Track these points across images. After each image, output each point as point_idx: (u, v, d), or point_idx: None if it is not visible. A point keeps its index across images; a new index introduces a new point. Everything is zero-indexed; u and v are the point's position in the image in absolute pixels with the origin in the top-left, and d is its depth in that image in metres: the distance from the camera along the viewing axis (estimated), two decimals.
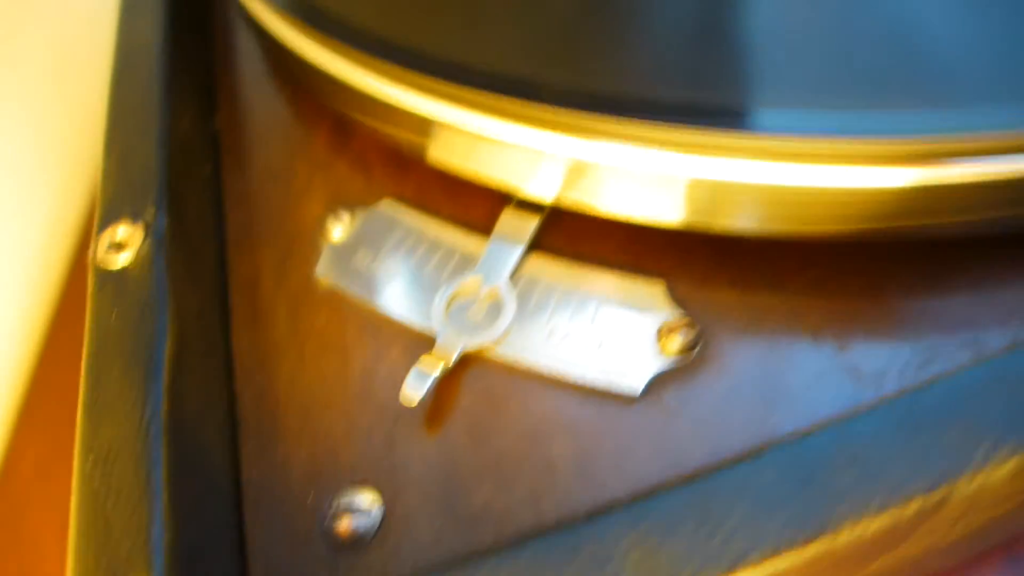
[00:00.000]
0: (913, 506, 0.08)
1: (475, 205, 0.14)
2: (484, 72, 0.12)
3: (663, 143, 0.11)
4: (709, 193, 0.12)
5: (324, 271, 0.14)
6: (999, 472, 0.08)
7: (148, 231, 0.12)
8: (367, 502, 0.11)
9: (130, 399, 0.10)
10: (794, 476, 0.08)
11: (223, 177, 0.16)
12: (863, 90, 0.11)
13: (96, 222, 0.12)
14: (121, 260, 0.12)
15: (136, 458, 0.09)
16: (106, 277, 0.12)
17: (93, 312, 0.11)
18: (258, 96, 0.18)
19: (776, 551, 0.08)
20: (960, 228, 0.12)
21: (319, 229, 0.15)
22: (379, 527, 0.11)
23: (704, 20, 0.13)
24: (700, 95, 0.11)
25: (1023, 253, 0.12)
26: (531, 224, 0.13)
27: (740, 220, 0.12)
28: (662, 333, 0.12)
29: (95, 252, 0.12)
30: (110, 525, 0.09)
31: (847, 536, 0.08)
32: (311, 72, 0.15)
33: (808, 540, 0.08)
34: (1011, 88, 0.11)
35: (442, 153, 0.14)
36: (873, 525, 0.08)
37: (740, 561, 0.08)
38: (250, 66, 0.19)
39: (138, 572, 0.09)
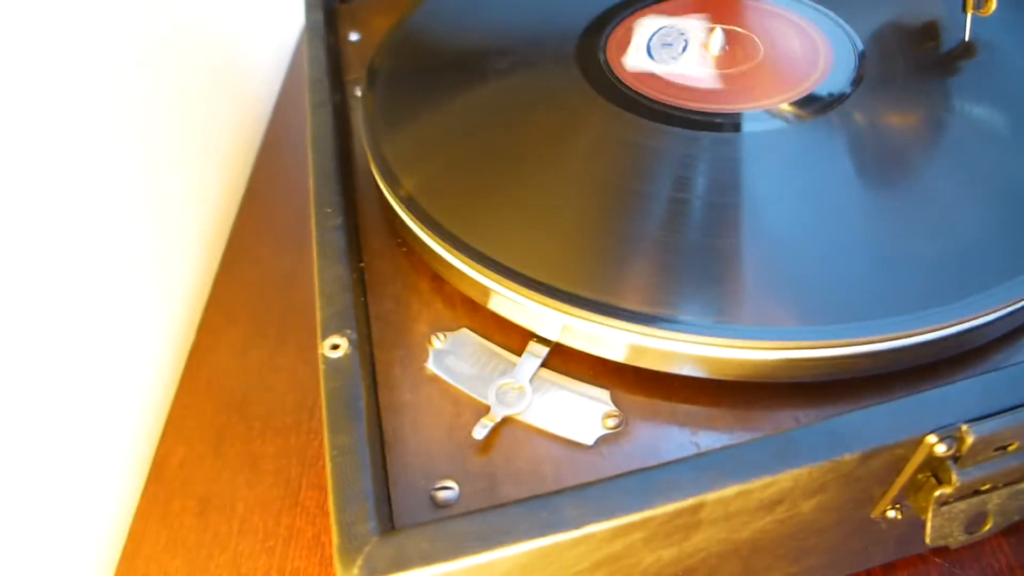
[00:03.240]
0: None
1: (513, 336, 0.26)
2: (520, 272, 0.24)
3: (609, 324, 0.23)
4: (635, 351, 0.23)
5: (430, 365, 0.26)
6: (666, 510, 0.19)
7: (349, 340, 0.24)
8: (452, 485, 0.22)
9: (347, 428, 0.22)
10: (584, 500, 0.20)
11: (368, 303, 0.28)
12: (710, 309, 0.23)
13: (319, 333, 0.24)
14: (336, 355, 0.23)
15: (355, 453, 0.21)
16: (329, 363, 0.23)
17: (325, 380, 0.23)
18: (385, 251, 0.30)
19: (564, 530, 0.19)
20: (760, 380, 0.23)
21: (427, 340, 0.26)
22: (458, 499, 0.22)
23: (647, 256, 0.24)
24: (639, 303, 0.23)
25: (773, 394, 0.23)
26: (544, 351, 0.25)
27: (651, 363, 0.24)
28: (604, 417, 0.23)
29: (322, 350, 0.24)
30: (344, 485, 0.21)
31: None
32: (419, 244, 0.27)
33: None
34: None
35: (494, 305, 0.26)
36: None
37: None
38: (377, 230, 0.31)
39: (363, 511, 0.20)
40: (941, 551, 0.33)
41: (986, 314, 0.22)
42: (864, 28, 0.34)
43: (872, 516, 0.24)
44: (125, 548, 0.36)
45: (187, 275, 0.48)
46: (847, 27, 0.34)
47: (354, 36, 0.43)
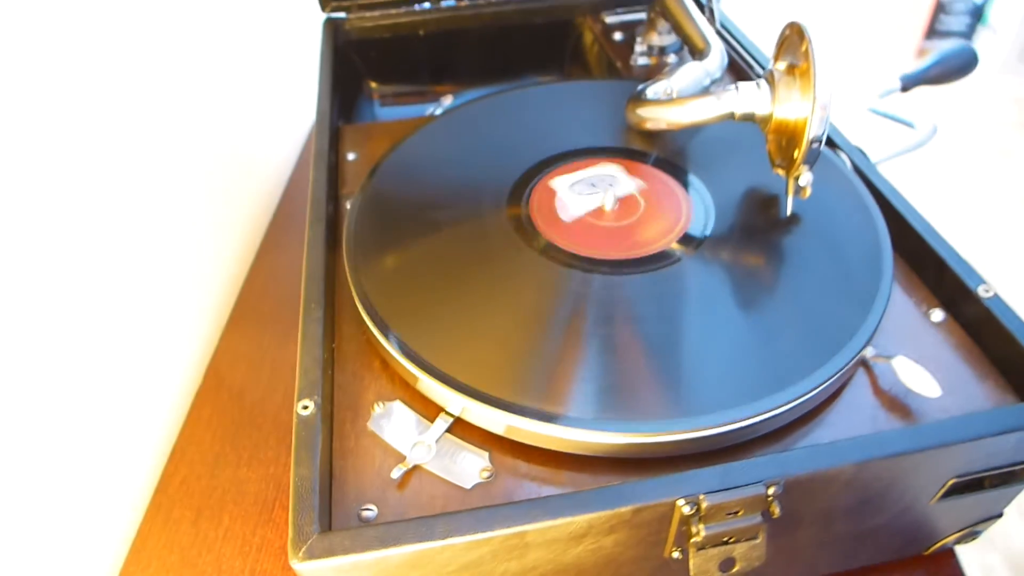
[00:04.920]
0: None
1: (431, 408, 0.37)
2: (437, 367, 0.36)
3: (493, 409, 0.34)
4: (511, 428, 0.34)
5: (370, 425, 0.37)
6: (501, 533, 0.30)
7: (316, 404, 0.35)
8: (373, 508, 0.33)
9: (307, 463, 0.33)
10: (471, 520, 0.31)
11: (334, 374, 0.39)
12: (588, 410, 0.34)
13: (296, 396, 0.35)
14: (307, 413, 0.35)
15: (310, 480, 0.32)
16: (300, 418, 0.34)
17: (296, 430, 0.34)
18: (352, 337, 0.41)
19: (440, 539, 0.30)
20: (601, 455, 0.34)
21: (371, 406, 0.38)
22: (376, 518, 0.33)
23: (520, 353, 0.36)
24: (514, 397, 0.35)
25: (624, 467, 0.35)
26: (449, 421, 0.36)
27: (519, 438, 0.35)
28: (481, 470, 0.34)
29: (296, 408, 0.35)
30: (301, 500, 0.32)
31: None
32: (372, 337, 0.39)
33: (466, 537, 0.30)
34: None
35: (419, 387, 0.37)
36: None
37: (442, 538, 0.30)
38: (349, 319, 0.43)
39: (310, 518, 0.31)
40: None
41: (743, 420, 0.34)
42: (723, 195, 0.46)
43: (665, 555, 0.35)
44: (134, 544, 0.47)
45: (197, 332, 0.60)
46: (708, 193, 0.46)
47: (352, 156, 0.55)
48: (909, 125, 0.53)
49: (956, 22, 2.39)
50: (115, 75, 0.50)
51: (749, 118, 0.43)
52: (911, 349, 0.41)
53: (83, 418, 0.44)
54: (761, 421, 0.35)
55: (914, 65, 0.62)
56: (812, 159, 0.40)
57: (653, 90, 0.48)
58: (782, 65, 0.42)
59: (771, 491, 0.32)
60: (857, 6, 2.53)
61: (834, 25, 2.50)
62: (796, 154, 0.40)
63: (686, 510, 0.31)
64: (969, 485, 0.38)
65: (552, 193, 0.47)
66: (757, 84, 0.42)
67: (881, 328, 0.41)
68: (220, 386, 0.56)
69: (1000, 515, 0.42)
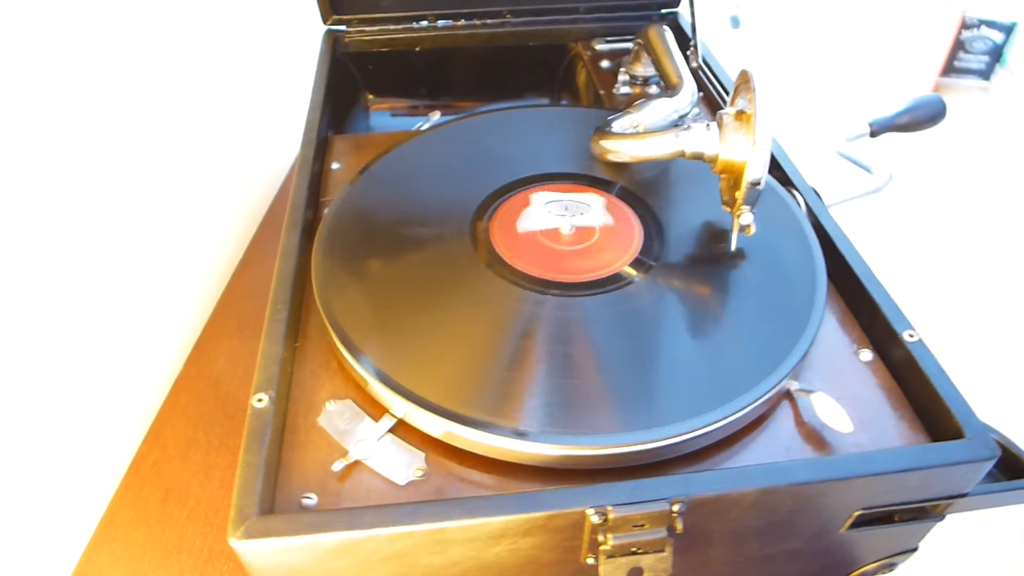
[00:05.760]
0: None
1: (377, 409, 0.40)
2: (385, 373, 0.39)
3: (431, 414, 0.37)
4: (448, 434, 0.37)
5: (320, 420, 0.40)
6: (422, 527, 0.33)
7: (270, 398, 0.38)
8: (314, 497, 0.36)
9: (255, 452, 0.36)
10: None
11: (293, 371, 0.42)
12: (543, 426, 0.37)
13: (253, 389, 0.38)
14: (260, 405, 0.38)
15: (257, 467, 0.35)
16: (254, 410, 0.37)
17: (248, 420, 0.37)
18: (315, 337, 0.45)
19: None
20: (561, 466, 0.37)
21: (323, 403, 0.41)
22: (315, 506, 0.36)
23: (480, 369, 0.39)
24: (451, 405, 0.37)
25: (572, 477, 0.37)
26: (392, 422, 0.39)
27: (454, 442, 0.38)
28: (416, 469, 0.37)
29: (252, 400, 0.38)
30: (245, 484, 0.35)
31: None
32: (332, 340, 0.42)
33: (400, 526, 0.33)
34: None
35: (369, 389, 0.40)
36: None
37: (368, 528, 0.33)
38: (315, 321, 0.46)
39: (251, 501, 0.34)
40: None
41: (666, 439, 0.36)
42: (677, 227, 0.49)
43: (581, 560, 0.38)
44: (103, 518, 0.50)
45: (183, 322, 0.63)
46: (662, 224, 0.49)
47: (336, 165, 0.58)
48: (867, 170, 0.56)
49: (975, 60, 2.40)
50: (117, 78, 0.53)
51: (698, 157, 0.45)
52: (838, 385, 0.43)
53: (64, 395, 0.48)
54: (677, 443, 0.37)
55: (885, 111, 0.65)
56: (752, 200, 0.43)
57: (619, 123, 0.51)
58: (732, 110, 0.44)
59: (675, 508, 0.34)
60: (877, 41, 2.55)
61: (853, 59, 2.52)
62: (737, 195, 0.43)
63: (594, 520, 0.34)
64: (879, 518, 0.40)
65: (525, 203, 0.49)
66: (707, 126, 0.44)
67: (814, 364, 0.44)
68: (199, 375, 0.59)
69: (915, 549, 0.45)
